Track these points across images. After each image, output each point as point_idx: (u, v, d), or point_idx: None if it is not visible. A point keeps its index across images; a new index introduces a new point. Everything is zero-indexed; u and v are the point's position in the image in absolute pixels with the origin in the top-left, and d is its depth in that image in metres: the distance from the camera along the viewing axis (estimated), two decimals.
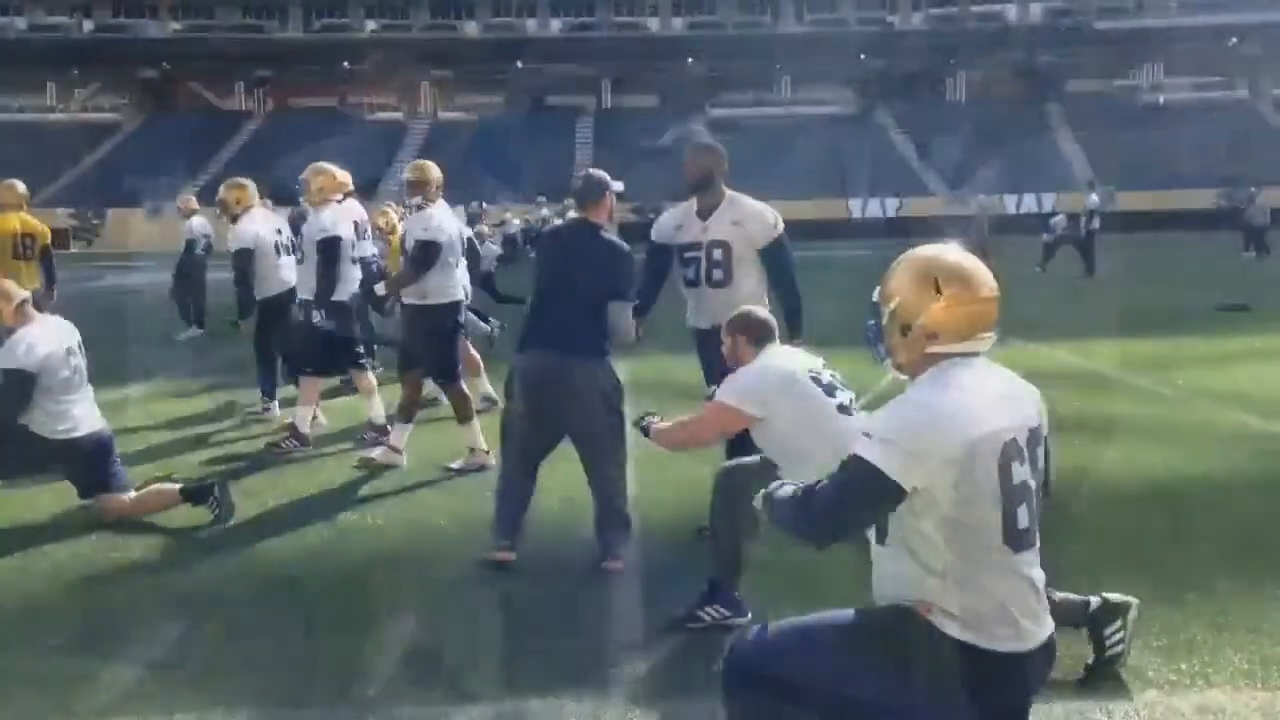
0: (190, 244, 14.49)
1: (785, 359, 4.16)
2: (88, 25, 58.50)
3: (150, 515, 5.64)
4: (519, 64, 58.74)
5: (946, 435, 2.39)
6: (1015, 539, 2.44)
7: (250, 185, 8.37)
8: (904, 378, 2.63)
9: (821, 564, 3.64)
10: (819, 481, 2.54)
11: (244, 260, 7.98)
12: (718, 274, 5.26)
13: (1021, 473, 2.45)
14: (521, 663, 3.89)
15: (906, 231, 28.15)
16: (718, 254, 5.25)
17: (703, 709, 3.37)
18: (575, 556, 4.96)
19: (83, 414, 5.52)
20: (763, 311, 4.36)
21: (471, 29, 59.62)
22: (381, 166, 52.60)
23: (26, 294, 5.76)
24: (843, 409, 3.99)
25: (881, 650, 2.45)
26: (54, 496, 5.71)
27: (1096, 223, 22.41)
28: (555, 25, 60.13)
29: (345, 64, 59.20)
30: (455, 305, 6.86)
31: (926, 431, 2.40)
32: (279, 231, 8.22)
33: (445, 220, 6.77)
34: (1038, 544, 2.54)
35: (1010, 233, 27.80)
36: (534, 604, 4.47)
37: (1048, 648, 2.53)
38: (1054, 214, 26.42)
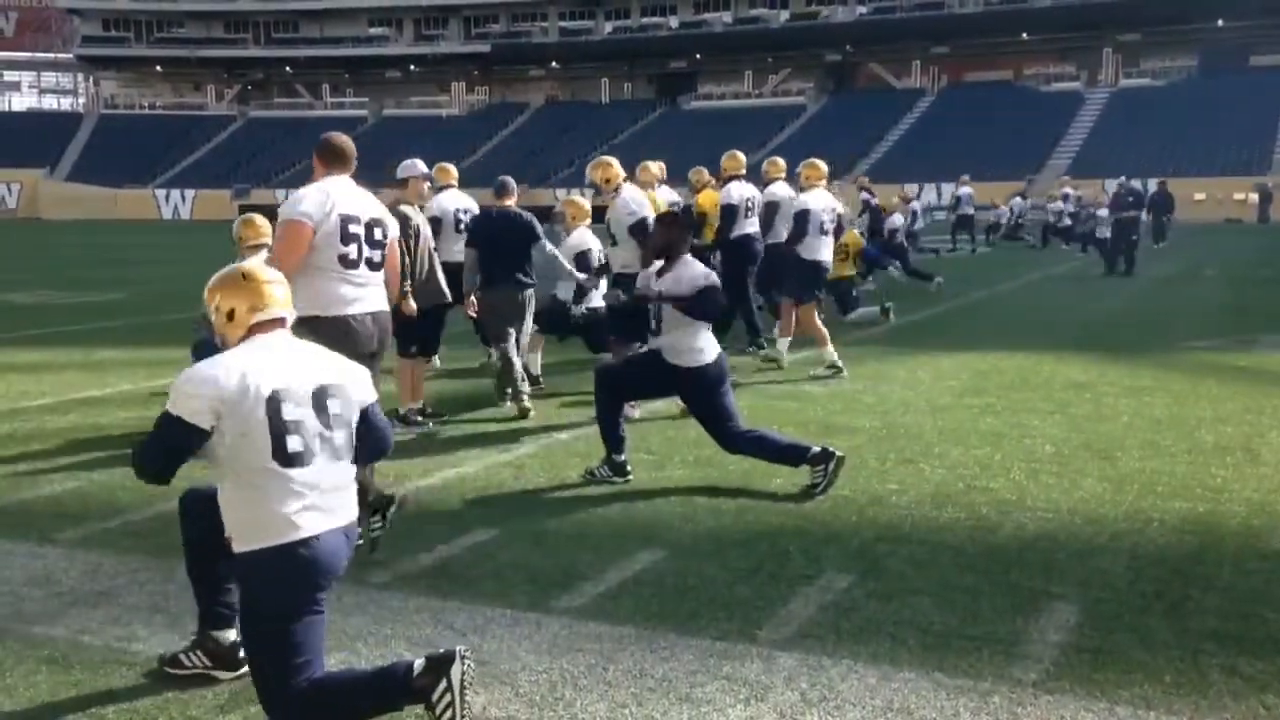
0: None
1: None
2: (783, 16, 63.62)
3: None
4: (1219, 21, 53.29)
5: None
6: None
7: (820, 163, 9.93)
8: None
9: None
10: None
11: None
12: None
13: None
14: None
15: None
16: None
17: None
18: None
19: None
20: None
21: None
22: (1052, 139, 50.78)
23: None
24: None
25: None
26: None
27: None
28: None
29: (1023, 35, 58.00)
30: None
31: None
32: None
33: (639, 200, 8.08)
34: None
35: None
36: None
37: None
38: None
